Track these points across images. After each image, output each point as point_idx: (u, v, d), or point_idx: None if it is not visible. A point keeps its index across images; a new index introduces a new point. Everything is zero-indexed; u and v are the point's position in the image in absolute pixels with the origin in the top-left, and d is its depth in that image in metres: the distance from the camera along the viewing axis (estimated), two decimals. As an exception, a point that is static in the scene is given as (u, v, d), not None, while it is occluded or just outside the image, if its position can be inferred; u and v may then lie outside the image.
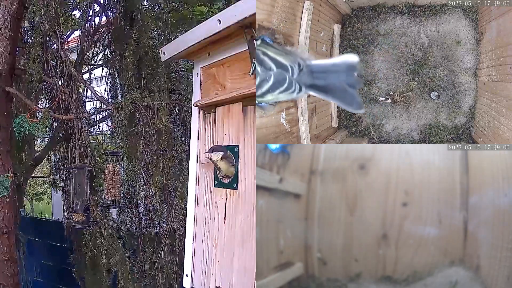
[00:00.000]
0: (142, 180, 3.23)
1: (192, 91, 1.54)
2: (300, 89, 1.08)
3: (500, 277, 1.49)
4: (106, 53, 3.54)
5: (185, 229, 1.51)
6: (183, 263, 1.48)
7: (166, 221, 3.12)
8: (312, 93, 1.10)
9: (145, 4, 3.24)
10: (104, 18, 3.35)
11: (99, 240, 3.02)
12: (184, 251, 1.49)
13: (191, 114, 1.55)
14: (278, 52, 1.12)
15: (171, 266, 3.03)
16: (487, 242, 1.54)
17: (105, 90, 3.51)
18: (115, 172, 3.12)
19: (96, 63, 4.03)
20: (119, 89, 3.48)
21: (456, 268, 1.57)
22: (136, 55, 2.85)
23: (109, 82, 3.54)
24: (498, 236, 1.50)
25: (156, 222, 3.33)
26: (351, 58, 1.07)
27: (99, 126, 3.98)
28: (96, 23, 3.41)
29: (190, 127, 1.54)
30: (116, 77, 3.47)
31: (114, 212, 3.36)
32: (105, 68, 3.65)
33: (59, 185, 3.95)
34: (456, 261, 1.58)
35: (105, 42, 3.46)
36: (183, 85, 3.40)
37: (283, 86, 1.06)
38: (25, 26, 3.10)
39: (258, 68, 1.06)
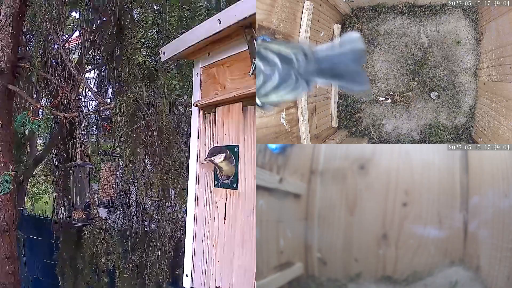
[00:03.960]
0: (140, 180, 3.23)
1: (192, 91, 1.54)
2: (307, 83, 1.01)
3: (500, 277, 1.49)
4: (104, 53, 3.55)
5: (180, 229, 1.51)
6: (173, 263, 1.48)
7: (158, 222, 3.12)
8: (319, 80, 1.03)
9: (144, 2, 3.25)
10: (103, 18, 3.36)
11: (98, 238, 3.03)
12: (174, 252, 1.49)
13: (190, 114, 1.55)
14: (281, 43, 1.10)
15: (160, 266, 3.03)
16: (487, 242, 1.54)
17: (97, 89, 3.52)
18: (111, 172, 3.12)
19: (96, 63, 4.03)
20: (113, 87, 3.49)
21: (456, 268, 1.57)
22: (135, 54, 2.86)
23: (109, 81, 3.55)
24: (498, 236, 1.50)
25: (147, 223, 3.34)
26: (354, 34, 1.01)
27: (99, 125, 3.98)
28: (95, 23, 3.41)
29: (189, 127, 1.54)
30: (115, 77, 3.48)
31: (109, 212, 3.36)
32: (103, 68, 3.66)
33: (55, 183, 3.96)
34: (456, 261, 1.58)
35: (104, 42, 3.46)
36: (181, 84, 3.40)
37: (289, 84, 0.99)
38: (26, 25, 3.10)
39: (262, 66, 0.99)
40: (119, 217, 3.32)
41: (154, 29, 3.10)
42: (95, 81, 3.54)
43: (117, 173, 3.14)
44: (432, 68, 2.53)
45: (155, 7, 3.30)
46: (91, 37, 3.30)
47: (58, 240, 3.79)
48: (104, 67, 3.45)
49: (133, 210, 3.35)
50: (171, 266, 2.92)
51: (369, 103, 2.64)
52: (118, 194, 3.24)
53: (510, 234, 1.47)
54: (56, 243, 4.04)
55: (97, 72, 3.54)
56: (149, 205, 3.26)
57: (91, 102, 3.89)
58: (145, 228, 3.29)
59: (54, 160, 3.89)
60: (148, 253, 3.05)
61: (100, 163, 3.24)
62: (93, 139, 3.68)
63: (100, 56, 3.41)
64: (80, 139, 2.88)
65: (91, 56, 3.79)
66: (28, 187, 5.42)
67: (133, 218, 3.34)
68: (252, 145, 1.22)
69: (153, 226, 3.22)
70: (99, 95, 3.27)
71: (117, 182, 3.18)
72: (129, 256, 3.14)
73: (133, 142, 2.78)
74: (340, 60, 0.99)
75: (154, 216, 3.20)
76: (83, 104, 3.59)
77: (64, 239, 3.66)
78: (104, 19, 3.20)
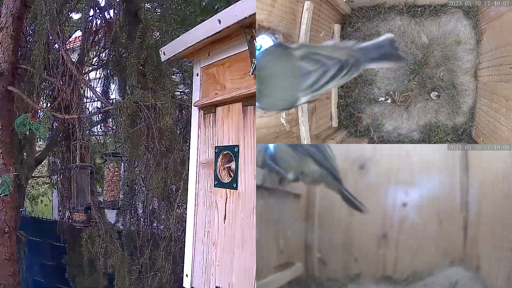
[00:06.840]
0: (141, 181, 3.23)
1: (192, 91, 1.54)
2: (357, 68, 1.29)
3: (500, 277, 1.49)
4: (105, 54, 3.55)
5: (183, 230, 1.51)
6: (178, 264, 1.48)
7: (165, 223, 3.12)
8: (371, 65, 1.39)
9: (147, 5, 3.25)
10: (104, 19, 3.36)
11: (97, 240, 3.02)
12: (179, 253, 1.49)
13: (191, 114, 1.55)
14: (331, 50, 1.29)
15: (164, 268, 3.02)
16: (487, 242, 1.54)
17: (102, 91, 3.53)
18: (115, 173, 3.12)
19: (97, 64, 4.03)
20: (117, 89, 3.49)
21: (456, 268, 1.57)
22: (139, 55, 2.85)
23: (111, 83, 3.56)
24: (498, 236, 1.50)
25: (155, 224, 3.34)
26: (389, 35, 1.39)
27: (100, 126, 3.99)
28: (97, 24, 3.41)
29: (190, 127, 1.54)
30: (116, 79, 3.48)
31: (113, 213, 3.36)
32: (105, 69, 3.66)
33: (58, 185, 3.96)
34: (456, 261, 1.58)
35: (105, 43, 3.47)
36: (184, 85, 3.40)
37: (345, 71, 1.24)
38: (27, 26, 3.11)
39: (310, 67, 1.19)
40: (125, 219, 3.32)
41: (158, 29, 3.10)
42: (98, 81, 3.55)
43: (121, 173, 3.14)
44: (432, 68, 2.53)
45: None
46: (95, 37, 3.31)
47: (58, 241, 3.81)
48: (106, 66, 3.45)
49: (140, 211, 3.35)
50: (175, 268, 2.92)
51: (369, 103, 2.64)
52: (124, 195, 3.24)
53: (510, 234, 1.47)
54: (55, 244, 4.06)
55: (99, 72, 3.54)
56: (154, 207, 3.27)
57: (92, 103, 3.90)
58: (154, 230, 3.30)
59: (59, 162, 3.90)
60: (156, 255, 3.05)
61: (103, 163, 3.24)
62: (94, 141, 3.69)
63: (112, 53, 3.41)
64: (80, 141, 2.88)
65: (93, 56, 3.80)
66: (27, 188, 5.42)
67: (140, 219, 3.35)
68: (252, 145, 1.22)
69: (161, 227, 3.22)
70: (102, 96, 3.28)
71: (122, 183, 3.19)
72: (137, 257, 3.15)
73: (133, 143, 2.78)
74: (384, 51, 1.38)
75: (161, 217, 3.21)
76: (85, 105, 3.59)
77: (72, 242, 3.66)
78: (111, 15, 3.21)
